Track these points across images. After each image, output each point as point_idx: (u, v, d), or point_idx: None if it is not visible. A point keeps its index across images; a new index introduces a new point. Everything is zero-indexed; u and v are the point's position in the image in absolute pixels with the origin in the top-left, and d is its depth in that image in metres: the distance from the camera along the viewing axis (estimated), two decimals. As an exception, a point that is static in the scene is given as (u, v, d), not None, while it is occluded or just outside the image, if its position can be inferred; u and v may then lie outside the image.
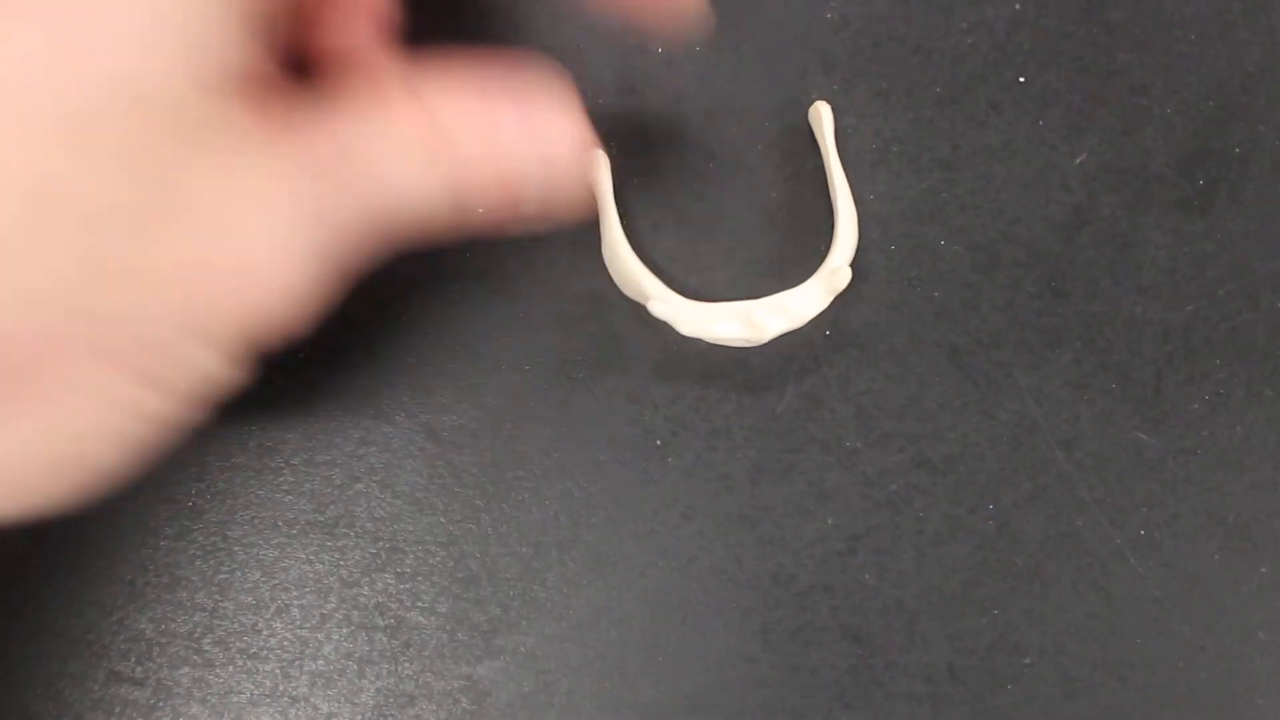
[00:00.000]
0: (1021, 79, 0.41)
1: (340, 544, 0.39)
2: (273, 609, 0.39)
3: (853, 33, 0.41)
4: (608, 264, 0.39)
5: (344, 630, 0.39)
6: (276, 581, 0.39)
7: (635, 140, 0.40)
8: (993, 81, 0.41)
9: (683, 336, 0.39)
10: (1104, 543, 0.40)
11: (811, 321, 0.39)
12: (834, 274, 0.38)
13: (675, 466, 0.40)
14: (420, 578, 0.39)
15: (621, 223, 0.39)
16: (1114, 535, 0.40)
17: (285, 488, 0.39)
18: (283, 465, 0.39)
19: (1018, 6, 0.41)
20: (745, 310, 0.38)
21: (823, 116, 0.39)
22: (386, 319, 0.40)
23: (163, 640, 0.39)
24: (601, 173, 0.39)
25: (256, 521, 0.39)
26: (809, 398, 0.40)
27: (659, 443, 0.40)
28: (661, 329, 0.39)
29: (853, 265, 0.39)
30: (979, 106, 0.41)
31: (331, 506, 0.39)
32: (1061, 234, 0.41)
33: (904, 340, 0.40)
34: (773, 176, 0.40)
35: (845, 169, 0.40)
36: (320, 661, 0.39)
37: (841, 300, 0.39)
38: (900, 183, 0.41)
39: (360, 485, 0.39)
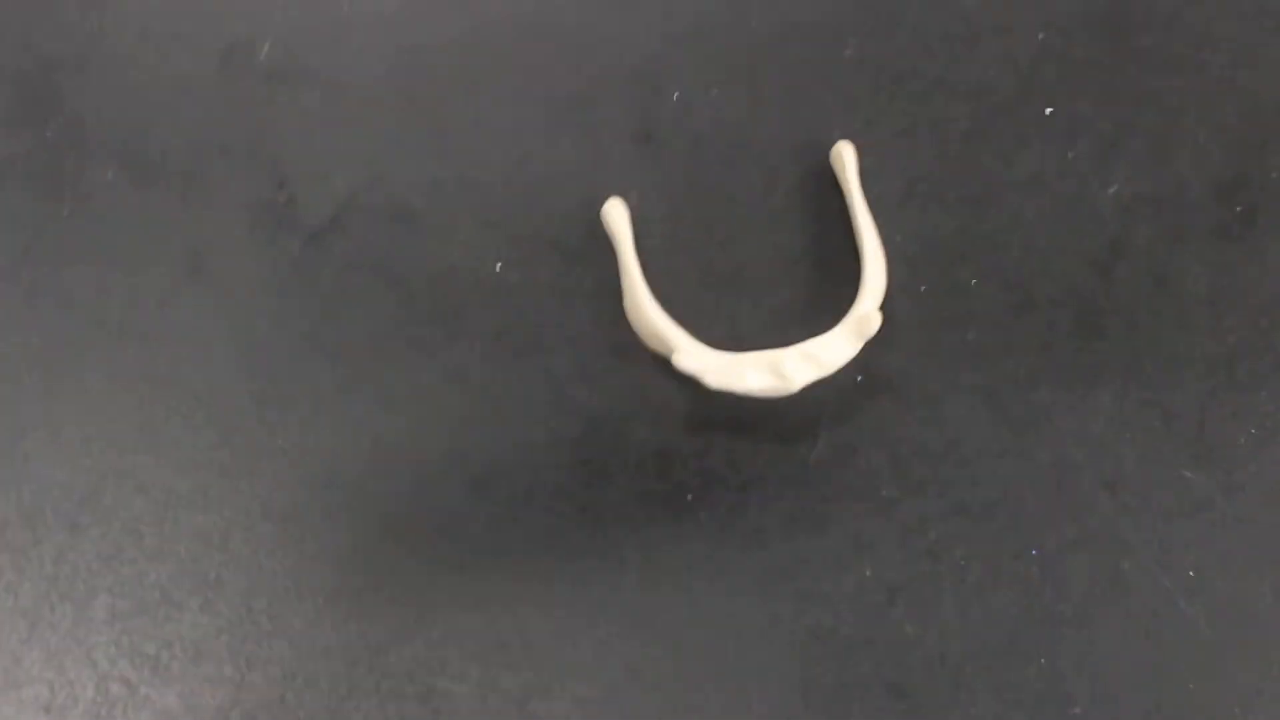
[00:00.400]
0: (1049, 110, 0.40)
1: (367, 611, 0.38)
2: (300, 680, 0.38)
3: (873, 70, 0.40)
4: (630, 317, 0.39)
5: (373, 700, 0.38)
6: (303, 652, 0.38)
7: (654, 188, 0.40)
8: (1019, 114, 0.40)
9: (710, 389, 0.38)
10: (1152, 586, 0.39)
11: (842, 368, 0.38)
12: (863, 320, 0.37)
13: (707, 521, 0.39)
14: (450, 643, 0.38)
15: (644, 272, 0.38)
16: (1162, 577, 0.39)
17: (310, 555, 0.39)
18: (306, 532, 0.39)
19: (1041, 36, 0.40)
20: (773, 360, 0.37)
21: (845, 157, 0.39)
22: (408, 377, 0.39)
23: (189, 716, 0.38)
24: (620, 222, 0.39)
25: (281, 591, 0.39)
26: (842, 446, 0.39)
27: (690, 497, 0.39)
28: (688, 381, 0.38)
29: (882, 309, 0.38)
30: (1006, 140, 0.40)
31: (357, 573, 0.39)
32: (1097, 269, 0.40)
33: (938, 384, 0.39)
34: (796, 221, 0.40)
35: (871, 210, 0.39)
36: (351, 733, 0.38)
37: (872, 345, 0.38)
38: (928, 222, 0.40)
39: (386, 551, 0.39)
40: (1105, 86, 0.40)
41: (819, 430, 0.39)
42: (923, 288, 0.39)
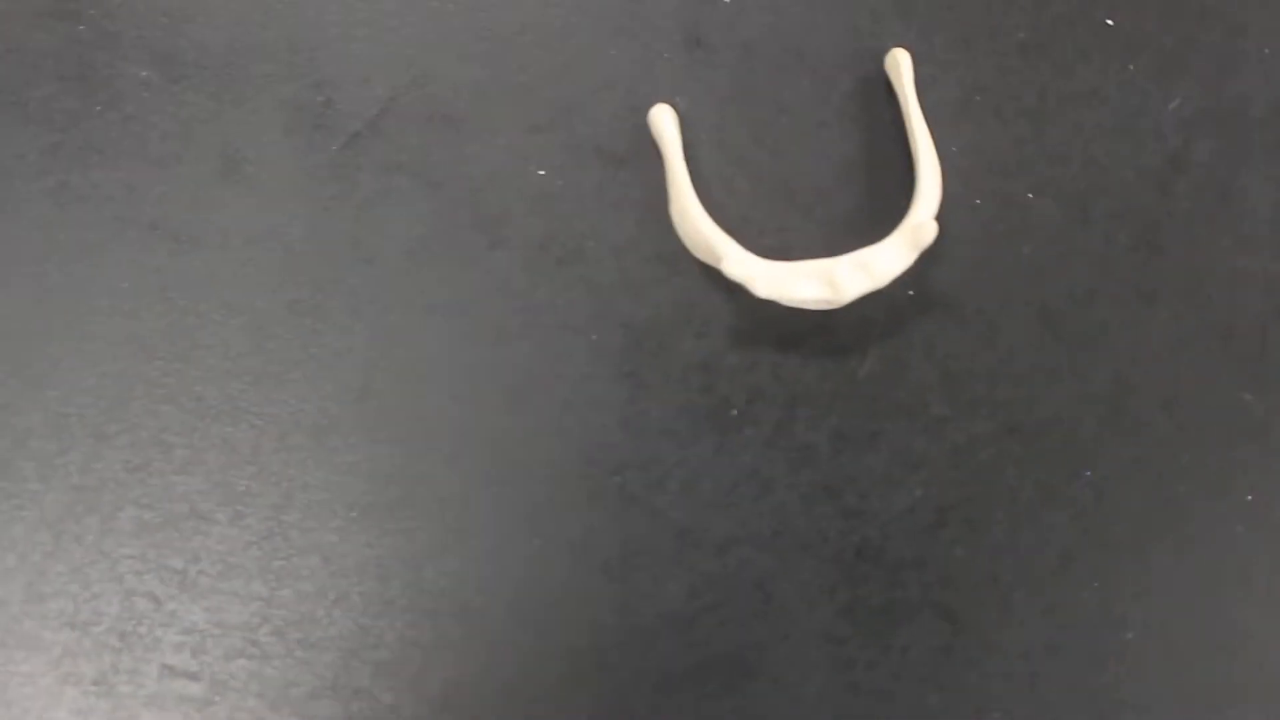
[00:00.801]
0: (1110, 22, 0.39)
1: (402, 526, 0.38)
2: (332, 596, 0.37)
3: (931, -24, 0.39)
4: (676, 225, 0.38)
5: (407, 617, 0.37)
6: (335, 568, 0.38)
7: (704, 95, 0.39)
8: (1080, 25, 0.39)
9: (758, 300, 0.37)
10: (1209, 510, 0.38)
11: (894, 281, 0.37)
12: (918, 229, 0.36)
13: (753, 436, 0.38)
14: (486, 559, 0.37)
15: (692, 181, 0.38)
16: (1219, 502, 0.38)
17: (344, 468, 0.38)
18: (340, 444, 0.38)
19: (1104, -54, 0.39)
20: (825, 269, 0.36)
21: (901, 64, 0.38)
22: (448, 286, 0.38)
23: (217, 632, 0.37)
24: (669, 128, 0.38)
25: (313, 505, 0.38)
26: (893, 362, 0.38)
27: (735, 412, 0.38)
28: (736, 292, 0.37)
29: (937, 221, 0.37)
30: (1066, 52, 0.39)
31: (392, 486, 0.38)
32: (1156, 184, 0.39)
33: (992, 300, 0.39)
34: (849, 129, 0.39)
35: (926, 120, 0.38)
36: (383, 650, 0.37)
37: (925, 258, 0.38)
38: (984, 134, 0.39)
39: (422, 463, 0.38)
40: (1168, 0, 0.39)
41: (869, 345, 0.38)
42: (978, 201, 0.39)
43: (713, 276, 0.38)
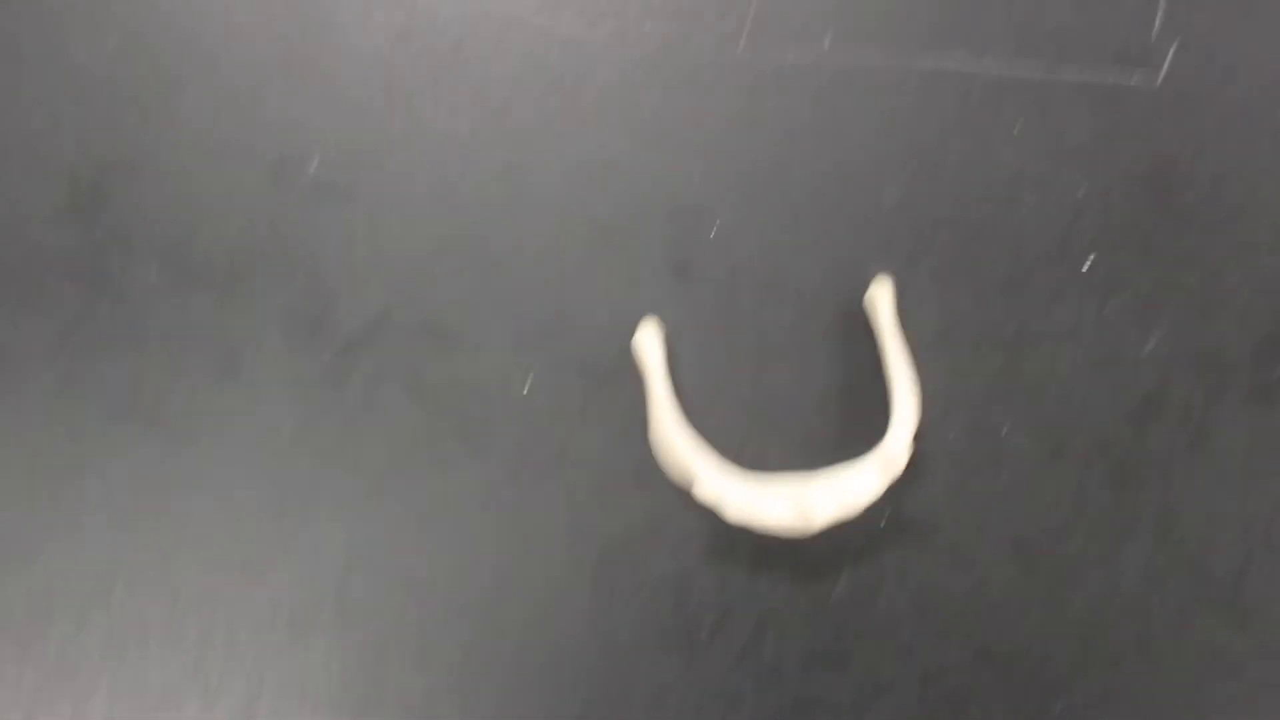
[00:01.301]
0: (1087, 265, 0.52)
1: (368, 728, 0.49)
2: (294, 796, 0.48)
3: (913, 214, 0.52)
4: (654, 444, 0.50)
5: (368, 822, 0.48)
6: (299, 767, 0.49)
7: (688, 319, 0.52)
8: (1058, 266, 0.52)
9: (729, 521, 0.49)
10: (1181, 751, 0.48)
11: (867, 508, 0.49)
12: (891, 458, 0.48)
13: (722, 654, 0.49)
14: (450, 767, 0.48)
15: (675, 398, 0.50)
16: (1193, 743, 0.49)
17: (316, 663, 0.49)
18: (314, 640, 0.49)
19: (1082, 192, 0.52)
20: (796, 494, 0.48)
21: (881, 296, 0.50)
22: (427, 493, 0.51)
23: (177, 827, 0.48)
24: (652, 349, 0.50)
25: (284, 698, 0.49)
26: (865, 587, 0.50)
27: (705, 633, 0.50)
28: (709, 513, 0.49)
29: (913, 450, 0.49)
30: (1044, 291, 0.52)
31: (361, 684, 0.49)
32: (1132, 423, 0.51)
33: (966, 530, 0.50)
34: (830, 357, 0.51)
35: (905, 352, 0.51)
36: None
37: (900, 487, 0.49)
38: (962, 367, 0.51)
39: (392, 664, 0.49)
40: (1145, 243, 0.52)
41: (842, 568, 0.50)
42: (952, 433, 0.51)
43: (688, 496, 0.50)
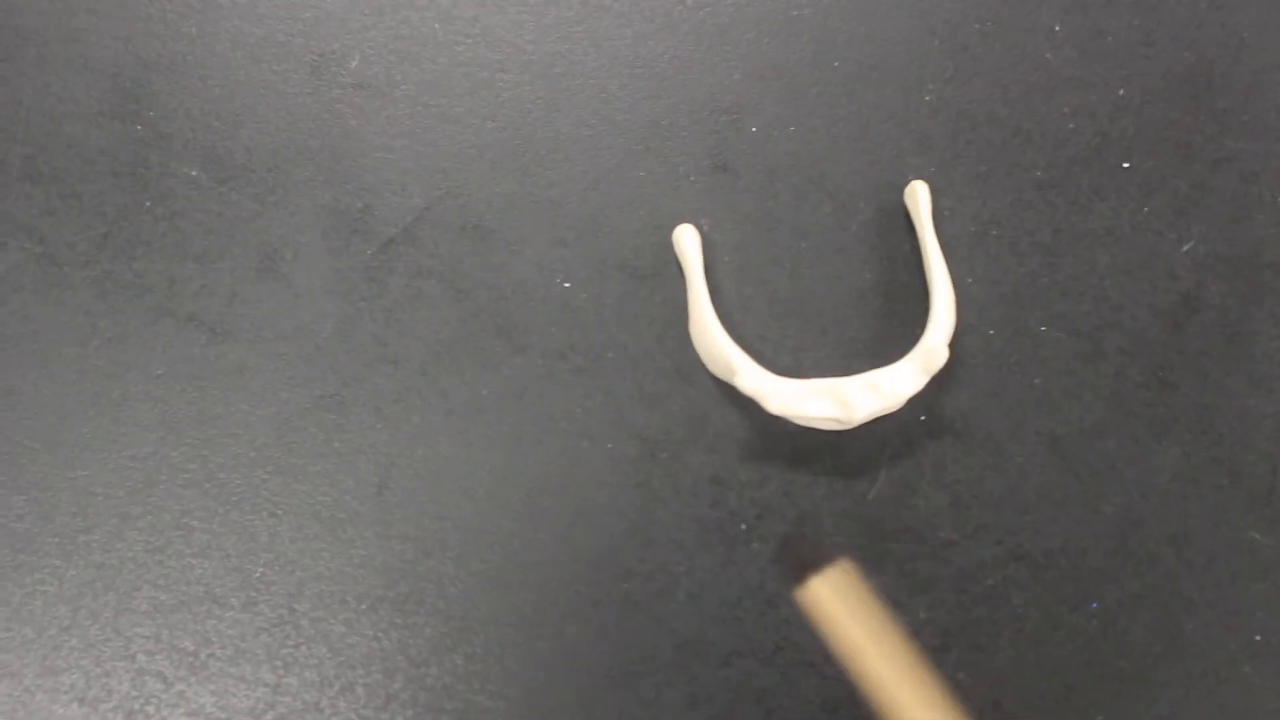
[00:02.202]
0: (1126, 164, 0.48)
1: (410, 621, 0.46)
2: (337, 687, 0.45)
3: (951, 114, 0.48)
4: (695, 340, 0.47)
5: (410, 712, 0.45)
6: (343, 659, 0.45)
7: (727, 217, 0.48)
8: (1096, 166, 0.48)
9: (770, 417, 0.45)
10: (1216, 647, 0.45)
11: (906, 405, 0.46)
12: (930, 353, 0.45)
13: (760, 551, 0.46)
14: (491, 659, 0.45)
15: (712, 299, 0.47)
16: (1227, 640, 0.45)
17: (357, 561, 0.46)
18: (355, 537, 0.46)
19: (1121, 92, 0.48)
20: (836, 388, 0.45)
21: (919, 195, 0.47)
22: (469, 389, 0.47)
23: (222, 716, 0.45)
24: (691, 247, 0.47)
25: (325, 596, 0.46)
26: (902, 485, 0.46)
27: (744, 526, 0.46)
28: (749, 409, 0.46)
29: (950, 349, 0.46)
30: (1082, 191, 0.48)
31: (403, 582, 0.46)
32: (1168, 322, 0.47)
33: (1002, 428, 0.47)
34: (867, 256, 0.48)
35: (943, 251, 0.47)
36: (384, 745, 0.45)
37: (937, 385, 0.46)
38: (999, 266, 0.48)
39: (433, 561, 0.46)
40: (1183, 145, 0.48)
41: (879, 467, 0.46)
42: (991, 331, 0.47)
43: (727, 392, 0.46)
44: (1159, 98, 0.47)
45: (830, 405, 0.43)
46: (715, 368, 0.44)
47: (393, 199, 0.46)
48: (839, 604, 0.40)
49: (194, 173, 0.47)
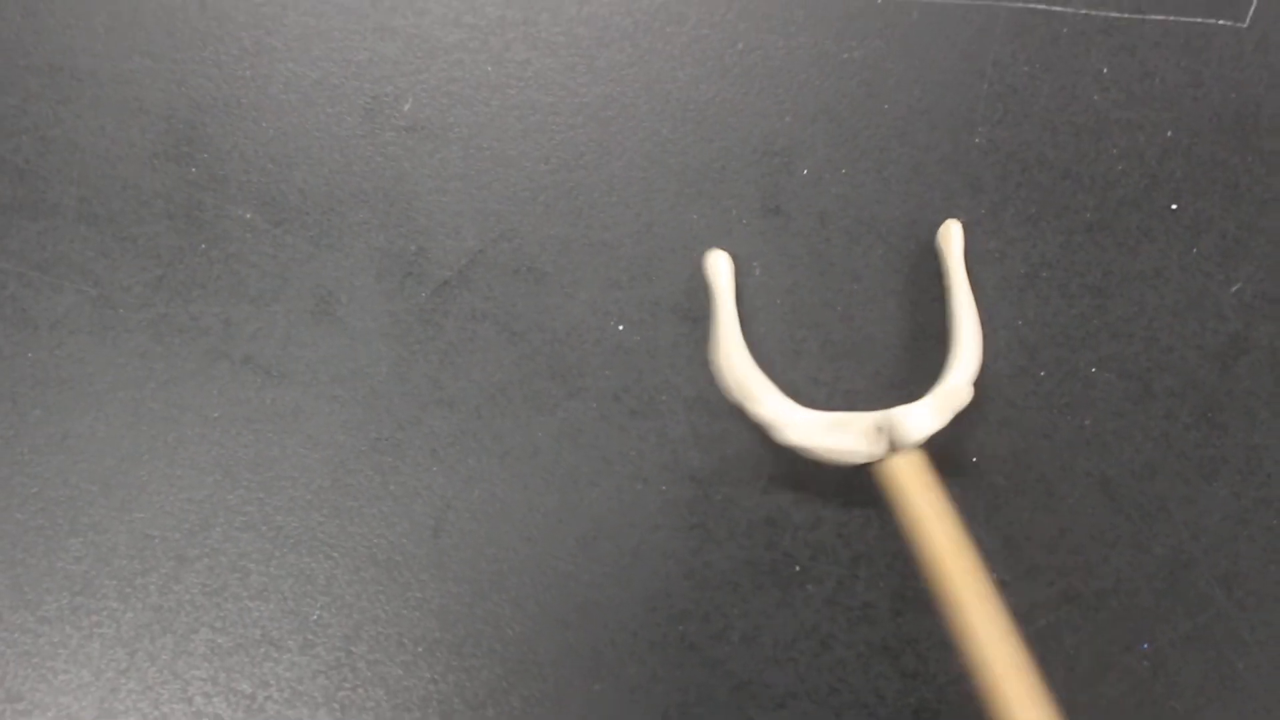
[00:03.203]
0: (1174, 206, 0.47)
1: (467, 664, 0.45)
2: (395, 729, 0.44)
3: (1001, 157, 0.47)
4: (717, 364, 0.45)
5: (468, 754, 0.44)
6: (399, 701, 0.44)
7: (780, 260, 0.47)
8: (1144, 208, 0.47)
9: (783, 444, 0.44)
10: (1268, 687, 0.44)
11: (959, 446, 0.45)
12: (953, 392, 0.43)
13: (815, 593, 0.45)
14: (548, 702, 0.44)
15: (764, 342, 0.45)
16: (1278, 680, 0.45)
17: (414, 603, 0.45)
18: (411, 580, 0.45)
19: (1169, 134, 0.47)
20: (855, 422, 0.43)
21: (952, 234, 0.45)
22: (524, 432, 0.46)
23: (281, 758, 0.44)
24: (722, 272, 0.45)
25: (382, 638, 0.45)
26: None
27: (798, 568, 0.45)
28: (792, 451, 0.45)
29: (1001, 390, 0.45)
30: (1130, 233, 0.47)
31: (460, 624, 0.45)
32: (1217, 363, 0.46)
33: (1054, 469, 0.46)
34: (918, 298, 0.46)
35: (993, 292, 0.46)
36: (443, 786, 0.44)
37: (989, 426, 0.45)
38: (1050, 308, 0.46)
39: (490, 603, 0.45)
40: (1230, 186, 0.47)
41: (932, 508, 0.45)
42: (1043, 373, 0.46)
43: (746, 418, 0.45)
44: (1206, 139, 0.46)
45: (848, 439, 0.42)
46: (735, 393, 0.43)
47: (447, 242, 0.45)
48: (913, 481, 0.40)
49: (249, 215, 0.45)
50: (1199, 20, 0.46)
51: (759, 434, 0.44)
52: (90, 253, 0.46)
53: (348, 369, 0.45)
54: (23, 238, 0.46)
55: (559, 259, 0.45)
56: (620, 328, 0.45)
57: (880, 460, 0.41)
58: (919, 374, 0.45)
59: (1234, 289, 0.45)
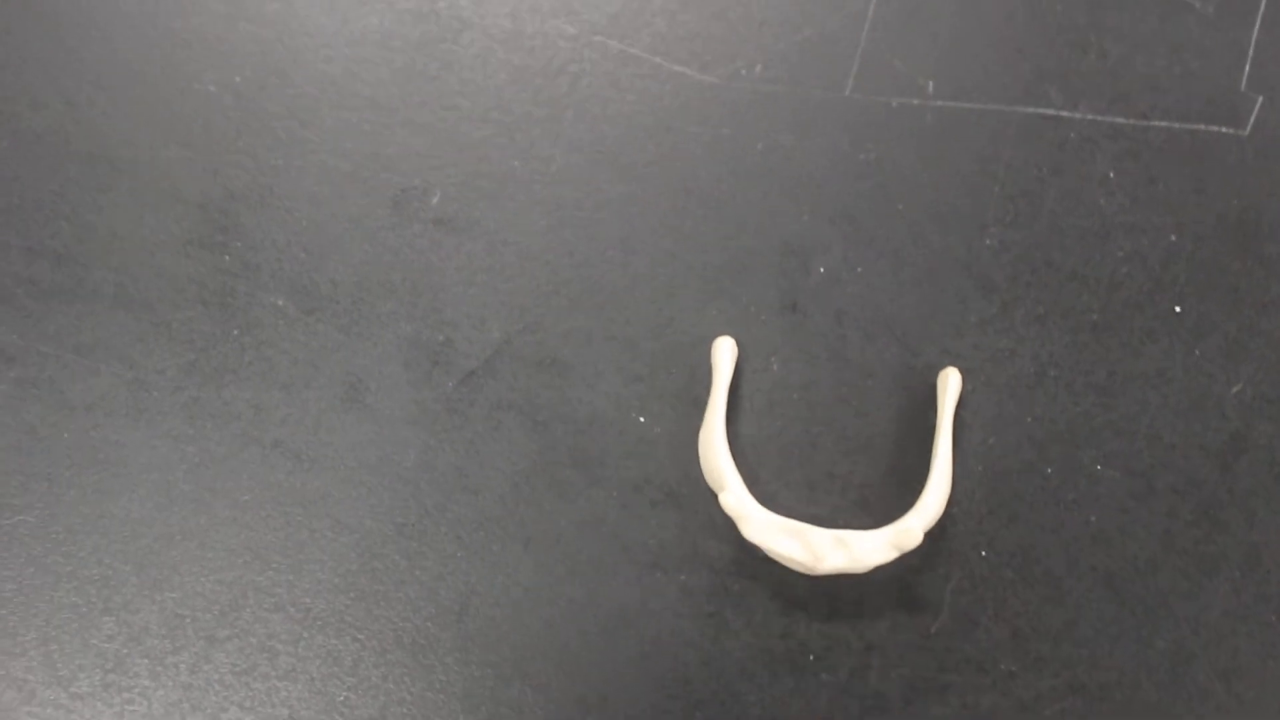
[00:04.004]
0: (1178, 308, 0.48)
1: (489, 746, 0.45)
2: (418, 810, 0.45)
3: (1012, 258, 0.48)
4: (701, 449, 0.46)
5: (489, 835, 0.45)
6: (423, 782, 0.45)
7: (797, 356, 0.47)
8: (1149, 310, 0.48)
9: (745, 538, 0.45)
10: (1264, 780, 0.45)
11: (969, 541, 0.45)
12: (904, 533, 0.44)
13: (829, 682, 0.46)
14: (568, 785, 0.45)
15: (778, 436, 0.46)
16: (1274, 773, 0.45)
17: (438, 686, 0.46)
18: (436, 663, 0.46)
19: (1173, 238, 0.48)
20: (808, 534, 0.43)
21: (950, 382, 0.46)
22: (547, 520, 0.47)
23: (306, 837, 0.44)
24: (725, 358, 0.46)
25: (409, 718, 0.45)
26: (965, 618, 0.46)
27: (812, 657, 0.46)
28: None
29: (1010, 485, 0.45)
30: (1135, 334, 0.48)
31: (483, 708, 0.45)
32: (1218, 462, 0.47)
33: (1060, 564, 0.46)
34: (929, 397, 0.47)
35: (1003, 390, 0.46)
36: None
37: (998, 521, 0.45)
38: (1056, 406, 0.47)
39: (513, 689, 0.46)
40: (1232, 290, 0.48)
41: (943, 601, 0.46)
42: (1049, 470, 0.47)
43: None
44: (1209, 244, 0.47)
45: (799, 549, 0.43)
46: (710, 479, 0.45)
47: (473, 333, 0.46)
48: None
49: (280, 303, 0.46)
50: (1201, 127, 0.47)
51: (775, 524, 0.44)
52: (126, 337, 0.46)
53: (375, 455, 0.45)
54: (60, 321, 0.46)
55: (582, 351, 0.46)
56: (641, 419, 0.45)
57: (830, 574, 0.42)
58: (872, 491, 0.45)
59: (1235, 390, 0.46)
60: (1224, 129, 0.47)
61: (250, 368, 0.46)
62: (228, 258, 0.46)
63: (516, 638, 0.44)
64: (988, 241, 0.46)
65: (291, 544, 0.44)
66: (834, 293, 0.46)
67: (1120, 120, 0.47)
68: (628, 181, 0.47)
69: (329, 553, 0.44)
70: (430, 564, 0.44)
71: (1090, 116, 0.47)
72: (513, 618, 0.44)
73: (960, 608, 0.44)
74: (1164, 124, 0.47)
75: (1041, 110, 0.47)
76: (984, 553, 0.44)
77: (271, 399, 0.45)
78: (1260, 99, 0.48)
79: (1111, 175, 0.47)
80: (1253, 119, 0.47)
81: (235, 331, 0.46)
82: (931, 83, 0.48)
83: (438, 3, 0.48)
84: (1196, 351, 0.46)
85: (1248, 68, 0.48)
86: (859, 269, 0.46)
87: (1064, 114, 0.47)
